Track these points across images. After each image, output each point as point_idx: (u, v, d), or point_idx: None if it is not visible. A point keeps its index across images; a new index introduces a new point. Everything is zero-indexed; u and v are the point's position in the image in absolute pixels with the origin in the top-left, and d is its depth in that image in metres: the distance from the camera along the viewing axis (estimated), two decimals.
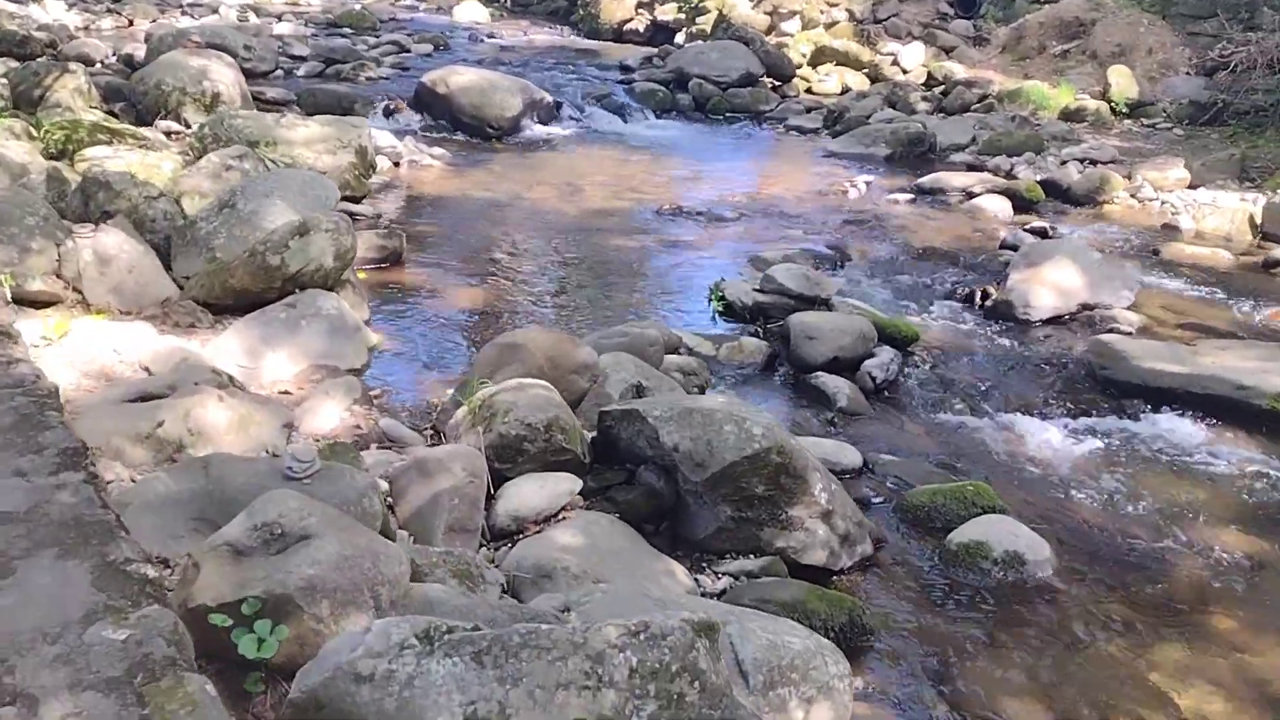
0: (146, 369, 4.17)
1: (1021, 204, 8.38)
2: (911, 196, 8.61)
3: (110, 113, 9.70)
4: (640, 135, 11.47)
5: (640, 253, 7.02)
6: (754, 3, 15.40)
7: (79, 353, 4.21)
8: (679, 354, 4.99)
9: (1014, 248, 6.94)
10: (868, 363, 5.06)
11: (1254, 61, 10.62)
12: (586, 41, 17.23)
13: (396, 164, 9.15)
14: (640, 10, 17.37)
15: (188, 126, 9.59)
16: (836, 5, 15.14)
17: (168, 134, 9.39)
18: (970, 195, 8.60)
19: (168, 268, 5.13)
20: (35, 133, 7.55)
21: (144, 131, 8.76)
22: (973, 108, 12.32)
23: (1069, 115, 11.48)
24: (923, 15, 15.28)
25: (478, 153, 10.05)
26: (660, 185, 9.04)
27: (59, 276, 4.79)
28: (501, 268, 6.58)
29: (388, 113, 11.11)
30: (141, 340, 4.34)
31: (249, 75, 10.66)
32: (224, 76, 10.02)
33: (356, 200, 7.74)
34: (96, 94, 9.68)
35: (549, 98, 11.28)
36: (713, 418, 3.29)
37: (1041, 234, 7.53)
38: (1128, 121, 11.35)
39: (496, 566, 3.08)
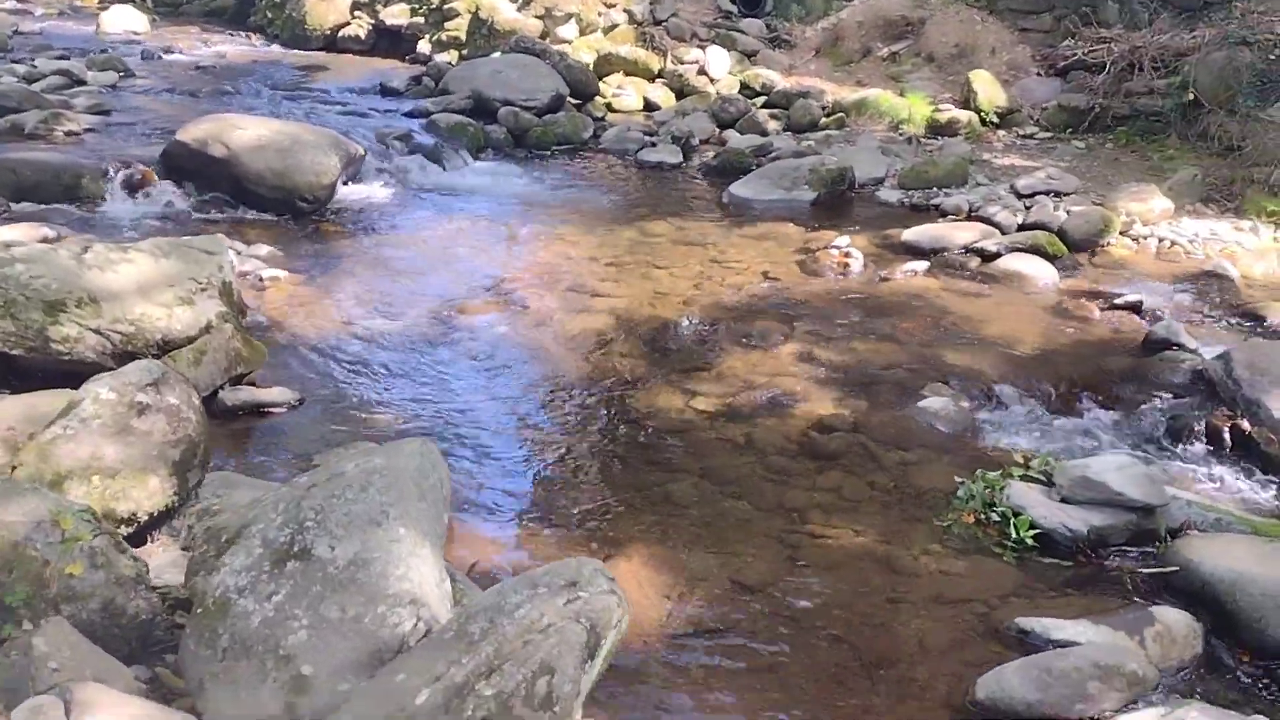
0: None
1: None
2: (926, 265, 6.96)
3: None
4: (479, 188, 8.97)
5: (743, 413, 4.83)
6: (519, 4, 13.05)
7: None
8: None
9: (1172, 343, 5.50)
10: None
11: (1131, 61, 10.00)
12: (294, 53, 14.04)
13: None
14: (358, 12, 14.38)
15: None
16: (614, 6, 13.17)
17: None
18: (984, 255, 7.11)
19: None
20: None
21: None
22: (821, 124, 10.94)
23: (939, 129, 10.36)
24: (703, 14, 13.70)
25: (306, 244, 7.18)
26: (612, 274, 6.76)
27: None
28: (571, 502, 4.17)
29: (132, 187, 7.83)
30: None
31: None
32: None
33: (244, 378, 4.85)
34: None
35: (360, 149, 8.48)
36: None
37: (1135, 310, 6.20)
38: (1001, 133, 10.43)
39: None
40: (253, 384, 4.90)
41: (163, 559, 3.22)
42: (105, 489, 3.20)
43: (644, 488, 4.23)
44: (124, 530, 3.21)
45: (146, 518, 3.26)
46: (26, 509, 2.81)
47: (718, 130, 11.05)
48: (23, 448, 3.32)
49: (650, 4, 13.40)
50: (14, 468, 3.21)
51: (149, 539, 3.34)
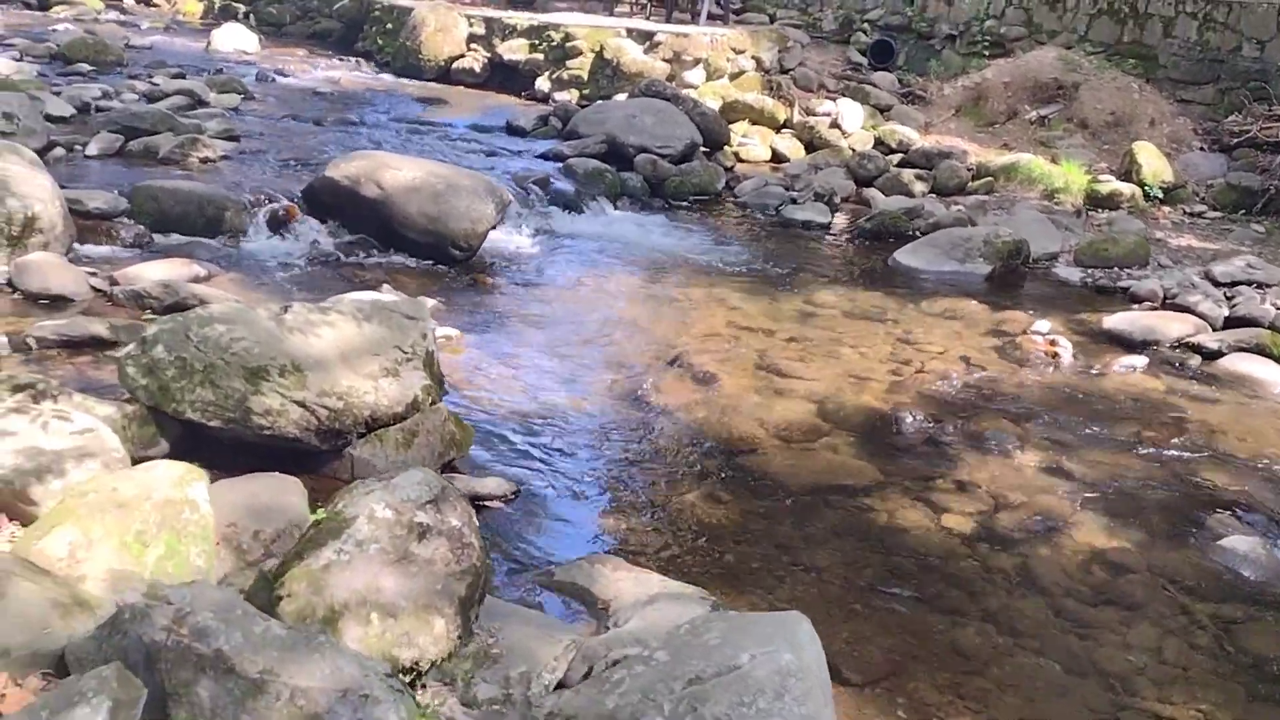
0: None
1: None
2: (1144, 360, 6.39)
3: None
4: (624, 239, 8.51)
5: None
6: (646, 46, 12.65)
7: None
8: None
9: None
10: None
11: None
12: (408, 83, 13.70)
13: None
14: (474, 45, 14.05)
15: None
16: (743, 53, 12.73)
17: None
18: (1203, 352, 6.52)
19: None
20: None
21: None
22: (968, 187, 10.41)
23: (1099, 201, 9.80)
24: (832, 65, 13.27)
25: (467, 296, 6.73)
26: (796, 350, 6.22)
27: None
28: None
29: (276, 223, 7.43)
30: None
31: None
32: (37, 188, 6.10)
33: (451, 463, 4.35)
34: None
35: (508, 195, 8.03)
36: None
37: None
38: (1166, 209, 9.84)
39: None
40: (455, 469, 4.40)
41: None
42: (385, 630, 2.69)
43: (924, 634, 3.66)
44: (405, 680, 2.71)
45: (428, 666, 2.75)
46: (326, 673, 2.31)
47: (855, 187, 10.57)
48: (283, 574, 2.80)
49: (779, 52, 12.97)
50: (279, 597, 2.71)
51: (419, 687, 2.82)
